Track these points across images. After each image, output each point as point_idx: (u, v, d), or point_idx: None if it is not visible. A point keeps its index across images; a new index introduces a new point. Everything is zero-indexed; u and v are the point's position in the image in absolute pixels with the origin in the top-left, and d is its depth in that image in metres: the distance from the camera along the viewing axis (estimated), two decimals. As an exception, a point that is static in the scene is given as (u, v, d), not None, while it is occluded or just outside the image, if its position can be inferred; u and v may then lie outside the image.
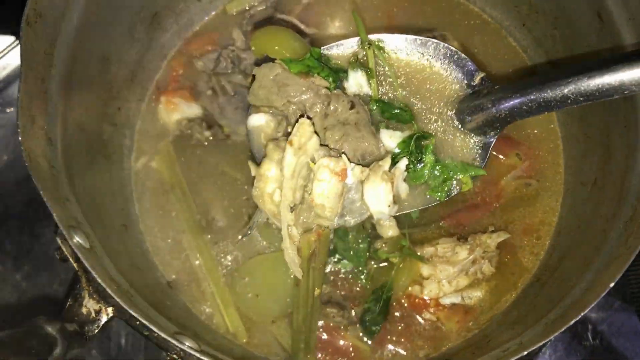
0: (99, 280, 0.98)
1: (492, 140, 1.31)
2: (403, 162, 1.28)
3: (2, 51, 1.93)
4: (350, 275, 1.40)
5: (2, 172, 1.85)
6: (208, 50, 1.64)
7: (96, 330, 1.00)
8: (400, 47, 1.39)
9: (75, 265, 1.04)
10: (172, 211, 1.50)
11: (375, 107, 1.35)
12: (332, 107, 1.29)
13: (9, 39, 1.92)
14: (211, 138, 1.54)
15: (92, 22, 1.33)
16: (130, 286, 1.14)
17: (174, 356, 0.97)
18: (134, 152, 1.57)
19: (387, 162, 1.25)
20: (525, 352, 0.99)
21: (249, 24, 1.66)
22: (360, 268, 1.38)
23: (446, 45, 1.36)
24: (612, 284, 1.02)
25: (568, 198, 1.44)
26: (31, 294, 1.71)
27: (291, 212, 1.22)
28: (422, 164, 1.29)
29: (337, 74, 1.36)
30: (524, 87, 1.16)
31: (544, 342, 1.00)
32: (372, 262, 1.39)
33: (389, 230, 1.36)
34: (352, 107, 1.30)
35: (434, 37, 1.43)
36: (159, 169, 1.55)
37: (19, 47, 1.92)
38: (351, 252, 1.37)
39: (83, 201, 1.23)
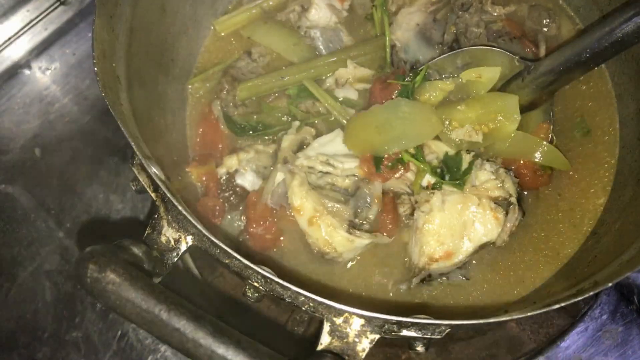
0: (180, 208, 0.97)
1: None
2: None
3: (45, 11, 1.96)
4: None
5: (45, 130, 1.84)
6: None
7: (175, 259, 0.99)
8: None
9: (153, 195, 1.03)
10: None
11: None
12: None
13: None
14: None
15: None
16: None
17: (255, 284, 0.96)
18: (187, 107, 1.57)
19: None
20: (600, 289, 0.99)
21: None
22: None
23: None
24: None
25: (626, 154, 1.45)
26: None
27: None
28: None
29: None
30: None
31: (621, 278, 1.00)
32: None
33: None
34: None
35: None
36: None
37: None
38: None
39: (148, 143, 1.23)
